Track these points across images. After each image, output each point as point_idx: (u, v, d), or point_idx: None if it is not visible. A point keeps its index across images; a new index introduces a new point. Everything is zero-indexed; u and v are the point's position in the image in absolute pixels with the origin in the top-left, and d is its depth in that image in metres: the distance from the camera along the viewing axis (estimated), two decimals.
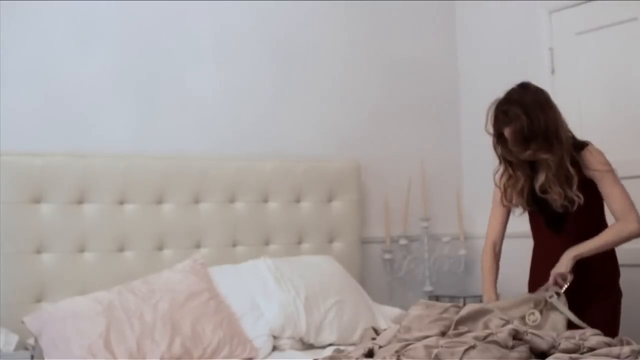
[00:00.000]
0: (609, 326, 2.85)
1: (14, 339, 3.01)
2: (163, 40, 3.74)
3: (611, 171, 2.96)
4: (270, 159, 3.89)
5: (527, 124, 2.87)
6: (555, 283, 2.88)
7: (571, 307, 2.87)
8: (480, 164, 4.45)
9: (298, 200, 3.92)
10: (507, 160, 3.02)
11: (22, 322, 3.00)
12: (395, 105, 4.41)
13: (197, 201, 3.65)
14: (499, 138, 2.98)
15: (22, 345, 3.08)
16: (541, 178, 2.95)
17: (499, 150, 3.01)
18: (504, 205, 3.13)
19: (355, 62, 4.30)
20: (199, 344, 2.99)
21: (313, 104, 4.15)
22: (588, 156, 2.96)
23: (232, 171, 3.74)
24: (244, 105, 3.93)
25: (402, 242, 4.26)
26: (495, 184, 3.14)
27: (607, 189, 2.94)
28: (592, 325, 2.73)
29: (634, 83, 3.74)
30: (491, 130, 2.99)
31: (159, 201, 3.56)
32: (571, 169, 2.92)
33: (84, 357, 2.80)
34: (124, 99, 3.63)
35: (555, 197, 2.94)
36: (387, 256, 4.23)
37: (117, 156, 3.51)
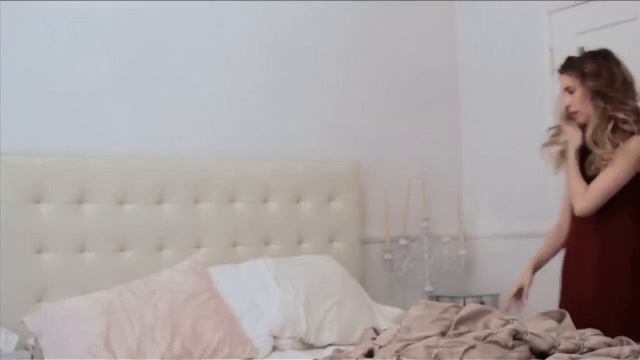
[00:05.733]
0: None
1: (14, 339, 3.02)
2: (163, 40, 3.74)
3: (625, 162, 2.91)
4: (270, 159, 3.89)
5: (593, 68, 3.02)
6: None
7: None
8: (480, 164, 4.47)
9: (298, 200, 3.92)
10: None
11: (22, 322, 3.00)
12: (396, 105, 4.41)
13: (197, 201, 3.65)
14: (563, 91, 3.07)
15: (22, 345, 3.08)
16: (590, 130, 2.99)
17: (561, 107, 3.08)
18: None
19: (355, 62, 4.30)
20: (199, 344, 2.99)
21: (313, 104, 4.15)
22: (634, 142, 2.93)
23: (232, 171, 3.74)
24: (244, 106, 3.93)
25: (402, 242, 4.26)
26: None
27: (607, 168, 2.92)
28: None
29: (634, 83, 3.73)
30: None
31: (159, 201, 3.56)
32: (621, 118, 2.92)
33: (84, 357, 2.79)
34: (124, 98, 3.63)
35: (601, 149, 2.93)
36: (387, 256, 4.22)
37: (117, 156, 3.51)
